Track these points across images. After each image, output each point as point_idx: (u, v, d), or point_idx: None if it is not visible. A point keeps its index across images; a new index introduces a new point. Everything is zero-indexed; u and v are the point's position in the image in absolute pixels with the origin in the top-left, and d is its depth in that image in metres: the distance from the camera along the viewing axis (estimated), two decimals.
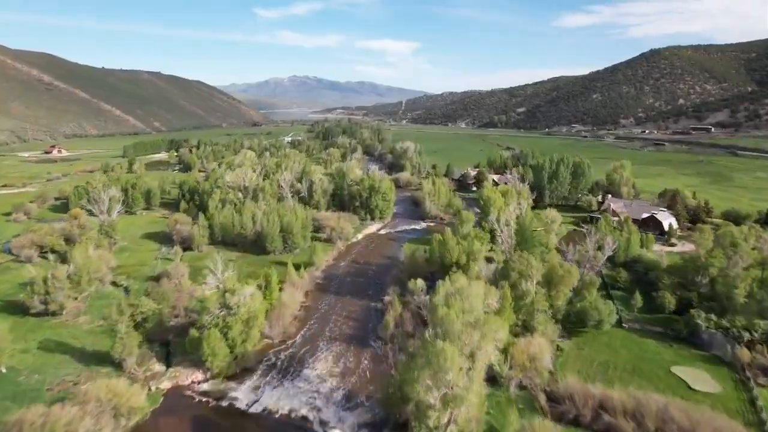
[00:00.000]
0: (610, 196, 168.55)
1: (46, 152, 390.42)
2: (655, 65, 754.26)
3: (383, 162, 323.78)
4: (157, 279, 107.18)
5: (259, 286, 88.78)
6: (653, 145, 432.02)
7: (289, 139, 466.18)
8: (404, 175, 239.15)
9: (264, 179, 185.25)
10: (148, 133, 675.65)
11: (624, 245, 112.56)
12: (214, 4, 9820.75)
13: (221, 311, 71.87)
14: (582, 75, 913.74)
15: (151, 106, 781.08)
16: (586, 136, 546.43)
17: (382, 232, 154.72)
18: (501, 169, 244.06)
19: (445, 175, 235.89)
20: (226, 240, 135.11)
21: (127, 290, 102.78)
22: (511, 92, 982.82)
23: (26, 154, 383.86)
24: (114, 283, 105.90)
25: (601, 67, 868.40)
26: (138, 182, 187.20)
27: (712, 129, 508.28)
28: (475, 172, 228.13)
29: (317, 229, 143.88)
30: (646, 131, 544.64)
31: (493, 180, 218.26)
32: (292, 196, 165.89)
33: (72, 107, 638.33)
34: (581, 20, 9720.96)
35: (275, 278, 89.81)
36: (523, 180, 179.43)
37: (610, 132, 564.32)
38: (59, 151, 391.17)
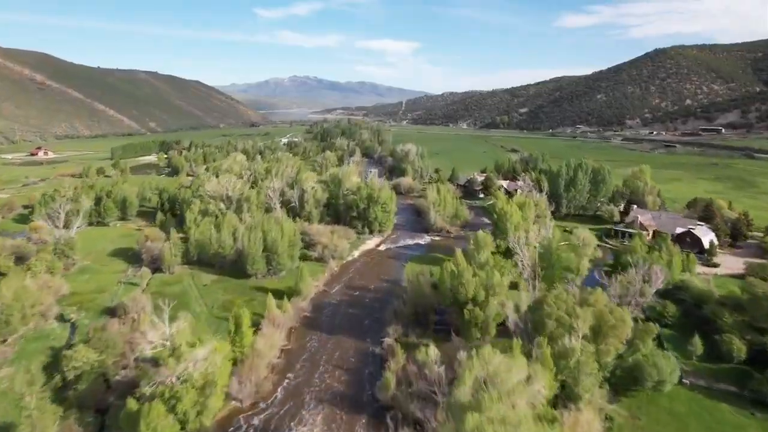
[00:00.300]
0: (635, 207, 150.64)
1: (32, 154, 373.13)
2: (661, 65, 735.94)
3: (383, 165, 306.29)
4: (114, 312, 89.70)
5: (229, 331, 71.35)
6: (663, 147, 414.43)
7: (286, 140, 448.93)
8: (405, 181, 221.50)
9: (253, 186, 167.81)
10: (143, 133, 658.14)
11: (664, 269, 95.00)
12: (214, 4, 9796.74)
13: (168, 378, 54.17)
14: (585, 75, 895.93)
15: (147, 107, 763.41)
16: (592, 138, 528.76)
17: (382, 248, 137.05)
18: (510, 174, 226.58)
19: (450, 181, 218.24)
20: (203, 259, 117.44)
21: (74, 327, 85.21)
22: (512, 92, 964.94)
23: (10, 156, 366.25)
24: (61, 317, 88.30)
25: (604, 67, 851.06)
26: (114, 189, 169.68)
27: (722, 130, 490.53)
28: (483, 178, 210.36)
29: (308, 245, 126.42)
30: (654, 132, 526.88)
31: (503, 186, 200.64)
32: (282, 207, 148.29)
33: (65, 107, 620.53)
34: (582, 21, 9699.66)
35: (247, 320, 72.12)
36: (539, 189, 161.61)
37: (617, 133, 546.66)
38: (45, 153, 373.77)
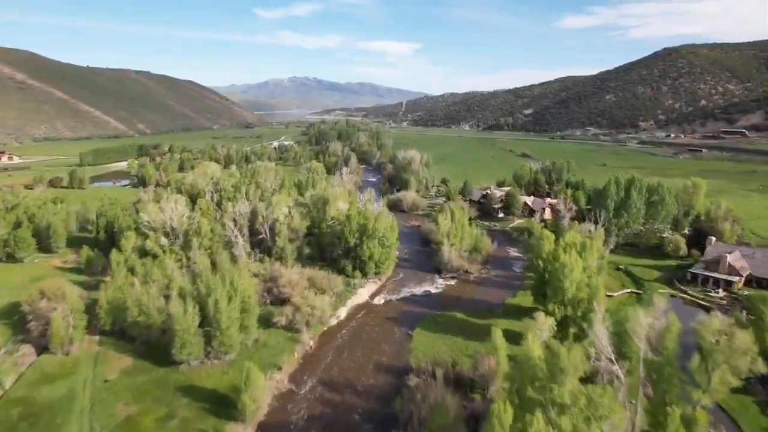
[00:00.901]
0: (713, 239, 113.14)
1: None
2: (672, 64, 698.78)
3: (382, 173, 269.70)
4: None
5: None
6: (688, 152, 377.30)
7: (277, 144, 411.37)
8: (409, 196, 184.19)
9: (218, 208, 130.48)
10: (131, 135, 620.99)
11: None
12: (213, 4, 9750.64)
13: None
14: (591, 75, 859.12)
15: (136, 107, 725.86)
16: (605, 141, 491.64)
17: (379, 300, 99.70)
18: (532, 187, 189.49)
19: (462, 195, 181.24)
20: (123, 328, 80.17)
21: None
22: (516, 93, 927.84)
23: None
24: None
25: (607, 68, 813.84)
26: (40, 212, 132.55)
27: (746, 132, 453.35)
28: (502, 193, 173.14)
29: (276, 300, 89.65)
30: (672, 135, 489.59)
31: (526, 205, 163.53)
32: (249, 241, 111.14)
33: (45, 108, 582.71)
34: (582, 21, 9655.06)
35: None
36: (581, 215, 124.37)
37: (631, 136, 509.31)
38: (9, 158, 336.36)
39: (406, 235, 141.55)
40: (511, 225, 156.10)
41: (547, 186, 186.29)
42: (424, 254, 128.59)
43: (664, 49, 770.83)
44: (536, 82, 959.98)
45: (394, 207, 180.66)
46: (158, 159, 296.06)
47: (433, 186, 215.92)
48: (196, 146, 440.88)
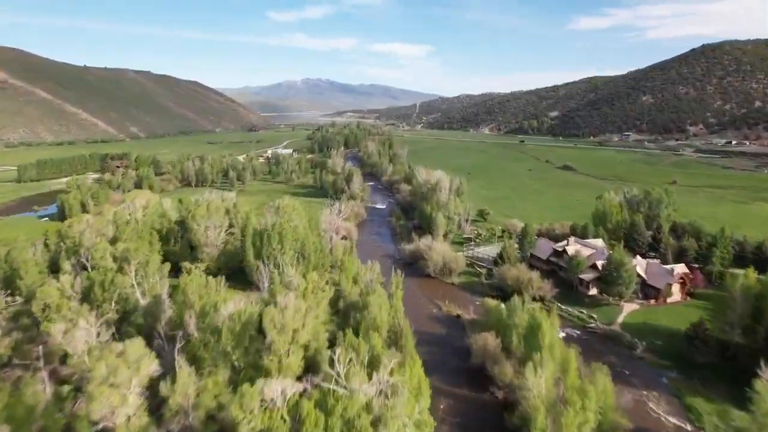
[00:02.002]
0: None
1: None
2: (716, 62, 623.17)
3: (394, 197, 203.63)
4: None
5: None
6: None
7: (270, 152, 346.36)
8: (437, 249, 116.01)
9: (86, 295, 65.62)
10: (121, 140, 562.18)
11: None
12: (227, 7, 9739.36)
13: None
14: (620, 75, 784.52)
15: (130, 109, 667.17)
16: (651, 148, 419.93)
17: None
18: (622, 232, 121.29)
19: (521, 251, 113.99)
20: None
21: None
22: (539, 94, 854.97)
23: None
24: None
25: (627, 68, 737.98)
26: None
27: None
28: (590, 251, 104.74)
29: None
30: (733, 141, 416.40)
31: (640, 278, 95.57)
32: None
33: (27, 109, 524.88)
34: (596, 23, 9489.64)
35: None
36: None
37: (683, 143, 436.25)
38: None
39: (432, 320, 75.62)
40: (622, 317, 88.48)
41: (662, 244, 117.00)
42: (469, 383, 62.14)
43: (703, 46, 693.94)
44: (559, 83, 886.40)
45: (413, 267, 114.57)
46: (112, 174, 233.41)
47: (467, 220, 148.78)
48: (182, 152, 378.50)
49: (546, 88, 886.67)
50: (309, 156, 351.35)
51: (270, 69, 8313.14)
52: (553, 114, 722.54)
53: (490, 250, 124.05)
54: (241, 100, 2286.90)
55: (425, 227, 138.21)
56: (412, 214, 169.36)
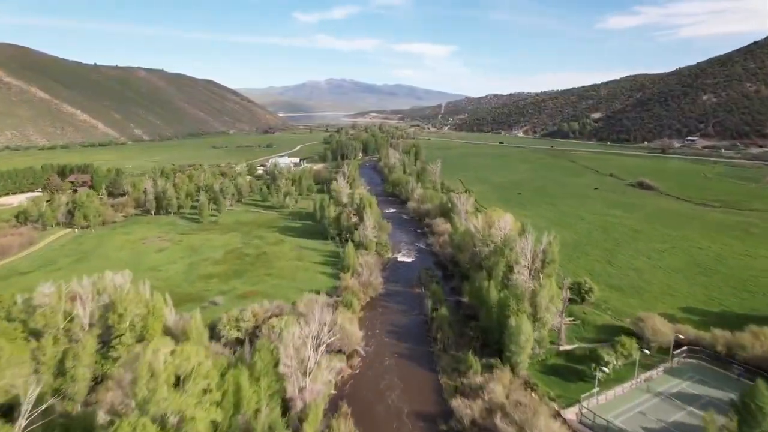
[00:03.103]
0: None
1: None
2: None
3: (426, 238, 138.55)
4: None
5: None
6: None
7: (271, 162, 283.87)
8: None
9: None
10: (122, 143, 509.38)
11: None
12: (254, 8, 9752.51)
13: None
14: (669, 72, 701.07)
15: (137, 109, 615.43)
16: (731, 156, 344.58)
17: None
18: None
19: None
20: None
21: None
22: (579, 93, 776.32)
23: None
24: None
25: (662, 68, 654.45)
26: None
27: None
28: None
29: None
30: None
31: None
32: None
33: (19, 110, 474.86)
34: (626, 22, 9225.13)
35: None
36: None
37: None
38: None
39: None
40: None
41: None
42: None
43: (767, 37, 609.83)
44: (598, 82, 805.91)
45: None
46: (52, 194, 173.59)
47: (561, 313, 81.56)
48: (173, 160, 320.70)
49: (585, 87, 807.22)
50: (317, 167, 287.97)
51: (294, 70, 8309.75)
52: (596, 115, 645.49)
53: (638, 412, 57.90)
54: (265, 100, 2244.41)
55: (490, 337, 72.17)
56: (455, 280, 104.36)
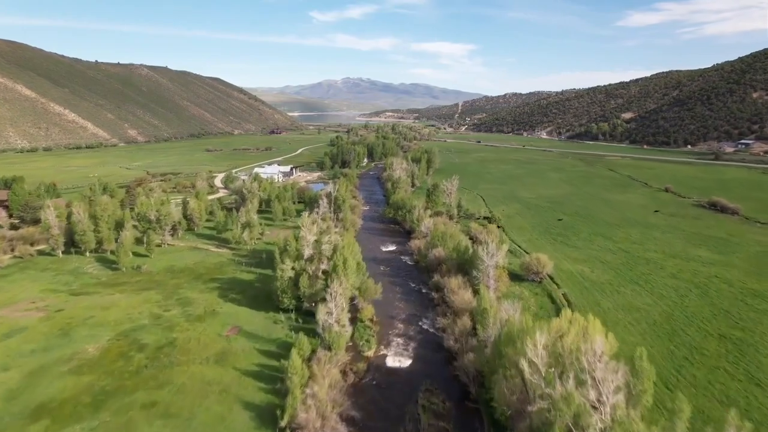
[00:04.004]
0: None
1: None
2: None
3: (433, 310, 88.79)
4: None
5: None
6: None
7: (254, 173, 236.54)
8: None
9: None
10: (112, 145, 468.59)
11: None
12: (272, 9, 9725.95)
13: None
14: (708, 67, 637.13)
15: (134, 109, 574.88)
16: None
17: None
18: None
19: None
20: None
21: None
22: (606, 92, 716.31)
23: None
24: None
25: (686, 66, 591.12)
26: None
27: None
28: None
29: None
30: None
31: None
32: None
33: (1, 109, 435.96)
34: (648, 19, 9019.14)
35: None
36: None
37: None
38: None
39: None
40: None
41: None
42: None
43: None
44: (626, 79, 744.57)
45: None
46: None
47: None
48: (151, 166, 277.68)
49: (613, 84, 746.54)
50: (311, 177, 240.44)
51: (310, 69, 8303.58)
52: (627, 116, 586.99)
53: None
54: (280, 99, 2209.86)
55: None
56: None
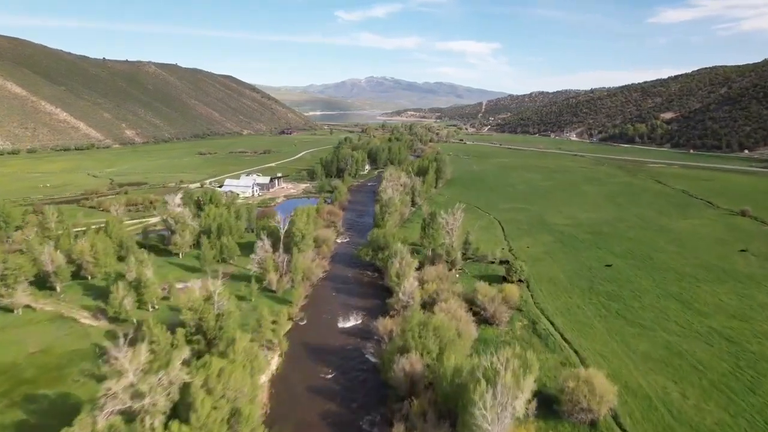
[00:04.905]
0: None
1: None
2: None
3: None
4: None
5: None
6: None
7: (227, 184, 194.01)
8: None
9: None
10: (106, 146, 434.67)
11: None
12: (298, 8, 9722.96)
13: None
14: (758, 62, 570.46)
15: (135, 107, 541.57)
16: None
17: None
18: None
19: None
20: None
21: None
22: (642, 89, 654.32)
23: None
24: None
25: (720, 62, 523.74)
26: None
27: None
28: None
29: None
30: None
31: None
32: None
33: None
34: (681, 15, 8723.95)
35: None
36: None
37: None
38: None
39: None
40: None
41: None
42: None
43: None
44: (664, 77, 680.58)
45: None
46: None
47: None
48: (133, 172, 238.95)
49: (650, 82, 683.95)
50: (278, 200, 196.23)
51: (335, 68, 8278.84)
52: (668, 116, 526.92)
53: None
54: (303, 98, 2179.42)
55: None
56: None
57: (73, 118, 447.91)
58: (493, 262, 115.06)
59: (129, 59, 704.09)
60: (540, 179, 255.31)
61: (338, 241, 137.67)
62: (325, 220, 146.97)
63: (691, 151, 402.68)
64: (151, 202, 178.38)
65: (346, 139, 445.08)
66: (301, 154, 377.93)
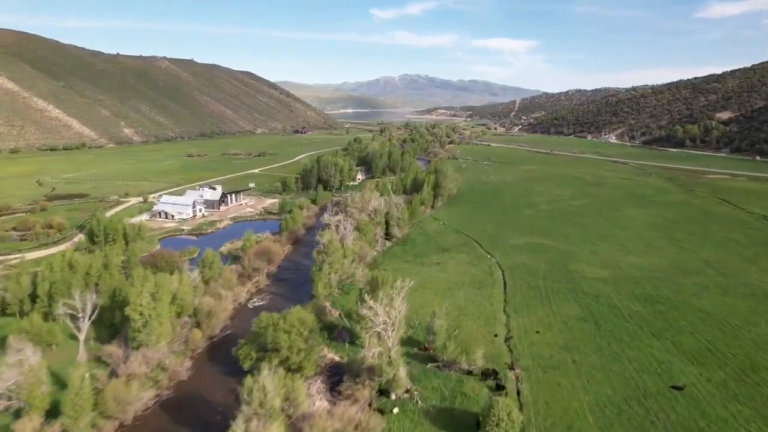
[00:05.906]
0: None
1: None
2: None
3: None
4: None
5: None
6: None
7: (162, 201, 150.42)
8: None
9: None
10: (99, 146, 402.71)
11: None
12: (335, 7, 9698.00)
13: None
14: None
15: (139, 105, 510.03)
16: None
17: None
18: None
19: None
20: None
21: None
22: (693, 86, 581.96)
23: None
24: None
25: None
26: None
27: None
28: None
29: None
30: None
31: None
32: None
33: None
34: (730, 9, 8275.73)
35: None
36: None
37: None
38: None
39: None
40: None
41: None
42: None
43: None
44: (716, 72, 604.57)
45: None
46: None
47: None
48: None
49: (701, 78, 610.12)
50: (220, 225, 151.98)
51: (369, 66, 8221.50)
52: (724, 116, 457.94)
53: None
54: (336, 96, 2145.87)
55: None
56: None
57: (65, 116, 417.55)
58: (470, 372, 65.98)
59: (143, 54, 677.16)
60: (570, 196, 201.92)
61: (250, 304, 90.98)
62: (246, 267, 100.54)
63: (758, 157, 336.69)
64: (51, 226, 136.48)
65: (355, 139, 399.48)
66: (300, 157, 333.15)
